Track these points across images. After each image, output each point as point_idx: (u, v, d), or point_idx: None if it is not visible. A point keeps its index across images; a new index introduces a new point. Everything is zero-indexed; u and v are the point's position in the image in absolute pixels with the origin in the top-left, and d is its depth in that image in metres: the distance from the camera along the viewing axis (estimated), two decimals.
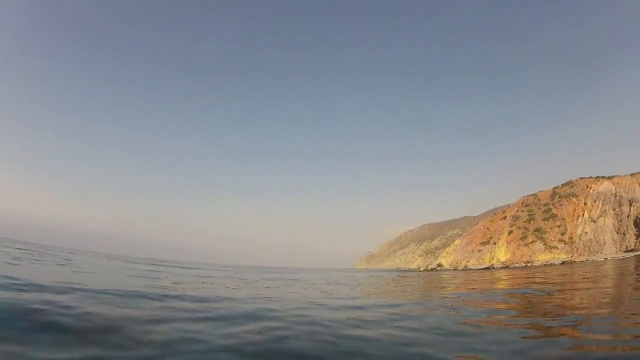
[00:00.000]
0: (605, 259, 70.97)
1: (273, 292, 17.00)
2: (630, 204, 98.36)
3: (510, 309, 12.29)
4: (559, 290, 17.42)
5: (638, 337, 7.48)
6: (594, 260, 69.09)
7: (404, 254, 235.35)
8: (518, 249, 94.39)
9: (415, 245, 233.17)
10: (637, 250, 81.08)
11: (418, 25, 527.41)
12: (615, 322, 9.16)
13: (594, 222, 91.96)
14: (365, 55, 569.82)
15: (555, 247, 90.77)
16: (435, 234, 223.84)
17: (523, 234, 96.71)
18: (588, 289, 17.74)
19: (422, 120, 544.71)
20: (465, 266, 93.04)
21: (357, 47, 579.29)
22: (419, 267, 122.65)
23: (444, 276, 43.27)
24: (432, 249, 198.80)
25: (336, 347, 7.24)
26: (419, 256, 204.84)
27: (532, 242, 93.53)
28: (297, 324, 9.00)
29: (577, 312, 11.15)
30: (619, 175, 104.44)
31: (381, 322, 9.66)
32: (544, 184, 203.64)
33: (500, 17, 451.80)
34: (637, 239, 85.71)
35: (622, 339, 7.55)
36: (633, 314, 10.18)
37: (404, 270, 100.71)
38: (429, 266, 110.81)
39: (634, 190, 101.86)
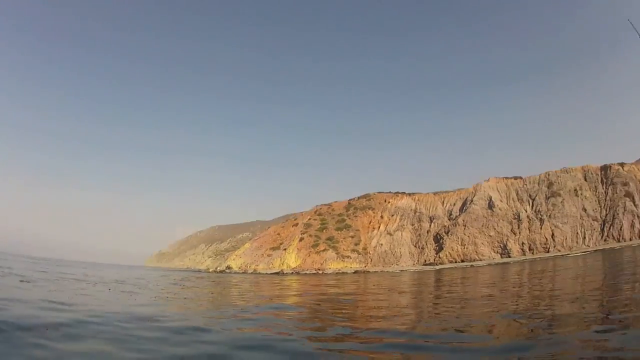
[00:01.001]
0: (402, 270, 75.56)
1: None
2: (431, 221, 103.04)
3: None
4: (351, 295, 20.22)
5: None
6: (389, 272, 73.32)
7: (193, 254, 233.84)
8: (309, 256, 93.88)
9: (205, 246, 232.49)
10: (436, 264, 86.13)
11: None
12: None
13: (391, 235, 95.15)
14: None
15: (348, 257, 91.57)
16: (225, 236, 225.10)
17: (315, 241, 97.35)
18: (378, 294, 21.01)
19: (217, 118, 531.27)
20: (255, 270, 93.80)
21: None
22: (208, 269, 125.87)
23: (233, 280, 44.79)
24: (222, 251, 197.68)
25: None
26: (209, 257, 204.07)
27: (324, 250, 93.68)
28: None
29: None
30: (421, 193, 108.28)
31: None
32: (340, 196, 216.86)
33: None
34: (436, 253, 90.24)
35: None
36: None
37: (194, 271, 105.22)
38: (218, 268, 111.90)
39: (436, 208, 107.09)
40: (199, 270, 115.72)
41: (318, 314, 13.58)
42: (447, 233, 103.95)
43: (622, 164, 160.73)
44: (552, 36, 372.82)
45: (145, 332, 8.77)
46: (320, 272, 79.09)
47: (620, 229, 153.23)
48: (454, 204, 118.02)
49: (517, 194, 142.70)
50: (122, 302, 14.91)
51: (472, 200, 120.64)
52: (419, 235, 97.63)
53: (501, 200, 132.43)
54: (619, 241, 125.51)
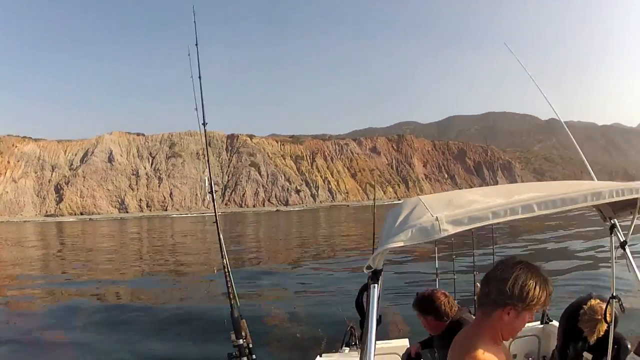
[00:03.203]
0: (26, 221, 71.60)
1: None
2: (53, 169, 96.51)
3: None
4: None
5: None
6: (15, 222, 70.26)
7: None
8: None
9: None
10: (57, 216, 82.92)
11: None
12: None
13: (15, 182, 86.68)
14: None
15: None
16: None
17: None
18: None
19: None
20: None
21: None
22: None
23: None
24: None
25: None
26: None
27: None
28: None
29: None
30: (46, 139, 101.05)
31: None
32: None
33: None
34: (57, 204, 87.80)
35: None
36: None
37: None
38: None
39: (59, 157, 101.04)
40: None
41: None
42: (67, 184, 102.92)
43: (251, 136, 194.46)
44: None
45: None
46: None
47: (243, 195, 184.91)
48: (76, 154, 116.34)
49: (138, 151, 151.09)
50: None
51: (93, 152, 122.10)
52: (42, 184, 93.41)
53: (121, 155, 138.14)
54: (241, 206, 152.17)
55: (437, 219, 1.80)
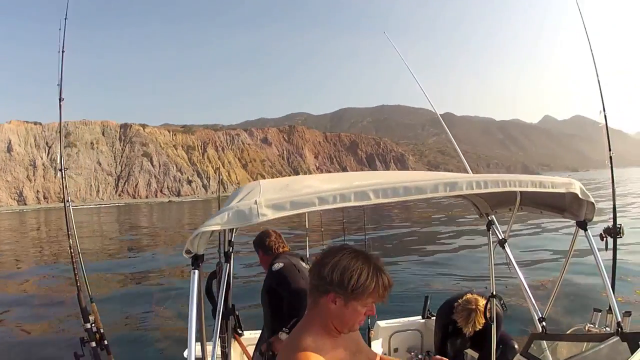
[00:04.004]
0: None
1: None
2: None
3: None
4: None
5: None
6: None
7: None
8: None
9: None
10: None
11: None
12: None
13: None
14: None
15: None
16: None
17: None
18: None
19: None
20: None
21: None
22: None
23: None
24: None
25: None
26: None
27: None
28: None
29: None
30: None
31: None
32: None
33: None
34: None
35: None
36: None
37: None
38: None
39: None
40: None
41: None
42: None
43: (144, 125, 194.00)
44: None
45: None
46: None
47: (136, 186, 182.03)
48: None
49: (35, 140, 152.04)
50: None
51: None
52: None
53: (20, 145, 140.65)
54: (134, 197, 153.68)
55: (255, 202, 1.66)
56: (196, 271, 1.87)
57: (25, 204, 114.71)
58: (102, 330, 3.56)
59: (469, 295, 3.94)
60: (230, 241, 2.98)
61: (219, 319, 2.46)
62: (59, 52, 4.04)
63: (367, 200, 1.78)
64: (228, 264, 2.70)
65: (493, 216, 3.26)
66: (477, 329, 3.79)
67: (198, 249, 1.82)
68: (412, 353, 4.95)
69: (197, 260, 1.86)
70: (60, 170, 4.13)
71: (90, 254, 21.90)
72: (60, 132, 4.56)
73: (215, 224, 1.67)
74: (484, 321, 3.68)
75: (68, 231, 3.80)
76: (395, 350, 5.04)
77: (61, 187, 3.86)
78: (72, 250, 3.76)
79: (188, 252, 1.83)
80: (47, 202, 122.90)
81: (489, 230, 3.30)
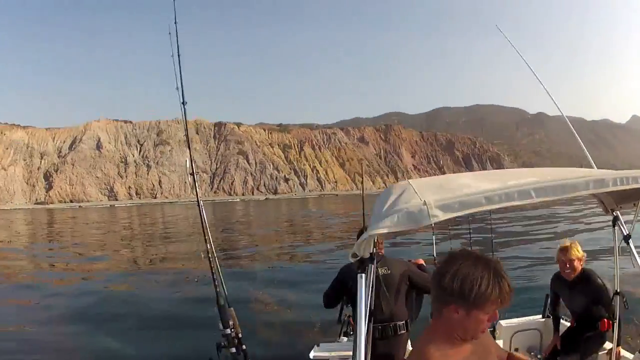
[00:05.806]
0: (15, 209, 72.77)
1: None
2: (42, 157, 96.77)
3: None
4: None
5: None
6: (5, 210, 69.38)
7: None
8: None
9: None
10: (47, 204, 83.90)
11: None
12: None
13: (5, 170, 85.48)
14: None
15: None
16: None
17: None
18: None
19: None
20: None
21: None
22: None
23: None
24: None
25: None
26: None
27: None
28: None
29: None
30: (34, 127, 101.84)
31: None
32: None
33: None
34: (47, 192, 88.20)
35: None
36: None
37: None
38: None
39: (47, 144, 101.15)
40: None
41: None
42: (56, 171, 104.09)
43: (238, 124, 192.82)
44: None
45: None
46: None
47: (232, 184, 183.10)
48: (64, 142, 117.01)
49: (126, 138, 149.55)
50: None
51: (81, 139, 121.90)
52: (31, 172, 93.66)
53: (109, 142, 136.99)
54: (230, 194, 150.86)
55: (425, 203, 1.67)
56: (363, 275, 1.91)
57: (117, 200, 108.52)
58: (240, 335, 3.59)
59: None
60: (376, 242, 2.71)
61: (362, 322, 2.07)
62: (171, 55, 4.16)
63: (530, 199, 1.84)
64: (373, 265, 2.39)
65: (618, 212, 3.12)
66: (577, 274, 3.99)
67: (364, 252, 1.88)
68: (532, 353, 5.04)
69: (363, 264, 1.92)
70: (191, 174, 4.03)
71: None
72: (187, 136, 4.70)
73: (384, 227, 1.69)
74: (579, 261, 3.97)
75: (204, 231, 3.83)
76: (516, 350, 4.96)
77: (193, 189, 3.90)
78: (209, 254, 3.78)
79: (354, 255, 1.88)
80: (140, 197, 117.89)
81: (614, 227, 3.19)
